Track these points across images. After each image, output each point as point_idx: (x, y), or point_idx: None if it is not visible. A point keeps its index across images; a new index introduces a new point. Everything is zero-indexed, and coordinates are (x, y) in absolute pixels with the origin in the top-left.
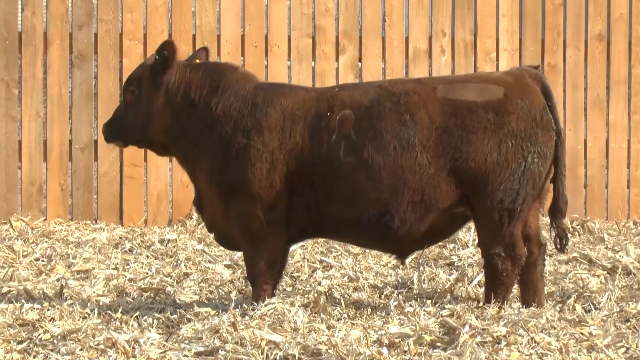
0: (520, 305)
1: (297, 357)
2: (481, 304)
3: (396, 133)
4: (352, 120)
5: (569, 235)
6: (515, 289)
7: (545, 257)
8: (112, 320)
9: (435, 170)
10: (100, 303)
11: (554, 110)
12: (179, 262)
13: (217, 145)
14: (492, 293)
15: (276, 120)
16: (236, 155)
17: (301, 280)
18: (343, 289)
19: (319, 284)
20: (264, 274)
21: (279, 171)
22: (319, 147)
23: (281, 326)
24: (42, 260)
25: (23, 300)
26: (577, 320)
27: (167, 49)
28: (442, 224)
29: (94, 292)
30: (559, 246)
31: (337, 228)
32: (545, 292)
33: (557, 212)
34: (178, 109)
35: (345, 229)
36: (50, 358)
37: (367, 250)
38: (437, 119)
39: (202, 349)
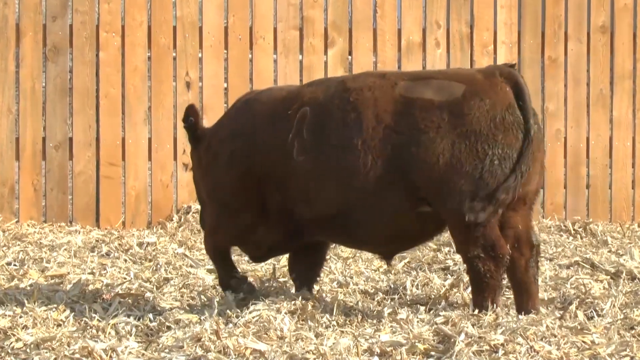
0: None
1: None
2: (473, 311)
3: (340, 132)
4: (307, 118)
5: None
6: (510, 295)
7: (540, 259)
8: (89, 327)
9: (383, 171)
10: (76, 310)
11: (526, 111)
12: (158, 266)
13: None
14: (480, 297)
15: (245, 127)
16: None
17: (288, 285)
18: (332, 294)
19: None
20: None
21: (252, 175)
22: (283, 147)
23: (267, 334)
24: (14, 265)
25: None
26: (578, 327)
27: (192, 115)
28: (410, 225)
29: (69, 298)
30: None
31: (308, 228)
32: (546, 297)
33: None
34: None
35: (314, 229)
36: None
37: (358, 255)
38: (386, 118)
39: (183, 359)
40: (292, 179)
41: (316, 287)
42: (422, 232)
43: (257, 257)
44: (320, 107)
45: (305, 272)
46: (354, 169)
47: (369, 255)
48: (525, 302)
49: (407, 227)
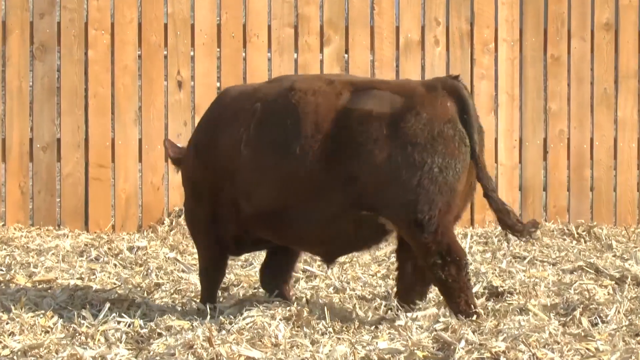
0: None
1: None
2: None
3: (279, 132)
4: (256, 115)
5: (532, 232)
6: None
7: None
8: (77, 334)
9: (317, 177)
10: (64, 316)
11: (469, 124)
12: (149, 271)
13: None
14: (454, 304)
15: (211, 119)
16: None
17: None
18: (328, 300)
19: (303, 295)
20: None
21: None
22: (237, 141)
23: (261, 341)
24: (1, 270)
25: None
26: (582, 334)
27: (169, 148)
28: (345, 229)
29: (57, 304)
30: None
31: (250, 223)
32: (548, 303)
33: (506, 227)
34: None
35: (254, 225)
36: None
37: (355, 259)
38: (325, 126)
39: None
40: (239, 173)
41: (311, 293)
42: (358, 236)
43: (230, 251)
44: (267, 104)
45: (272, 278)
46: (288, 170)
47: (366, 259)
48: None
49: (342, 231)
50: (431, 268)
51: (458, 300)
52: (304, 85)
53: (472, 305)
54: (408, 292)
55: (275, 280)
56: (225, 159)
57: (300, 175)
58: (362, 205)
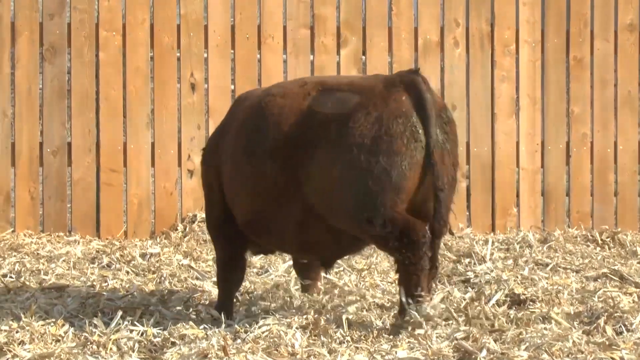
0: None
1: None
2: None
3: (250, 137)
4: (240, 118)
5: (440, 261)
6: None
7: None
8: (89, 343)
9: (283, 182)
10: (75, 324)
11: (427, 121)
12: (162, 278)
13: None
14: (406, 287)
15: (222, 124)
16: None
17: (299, 297)
18: (346, 308)
19: (319, 303)
20: None
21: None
22: (227, 148)
23: (277, 350)
24: (10, 277)
25: None
26: (607, 343)
27: None
28: (324, 235)
29: (68, 312)
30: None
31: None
32: (572, 311)
33: (432, 231)
34: None
35: (246, 231)
36: None
37: (373, 266)
38: (288, 129)
39: None
40: (225, 179)
41: (329, 301)
42: (337, 242)
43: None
44: (248, 109)
45: (307, 271)
46: (257, 175)
47: (385, 266)
48: None
49: (321, 237)
50: (392, 253)
51: (409, 283)
52: (279, 89)
53: (420, 288)
54: None
55: (309, 270)
56: (222, 164)
57: (267, 181)
58: (318, 210)
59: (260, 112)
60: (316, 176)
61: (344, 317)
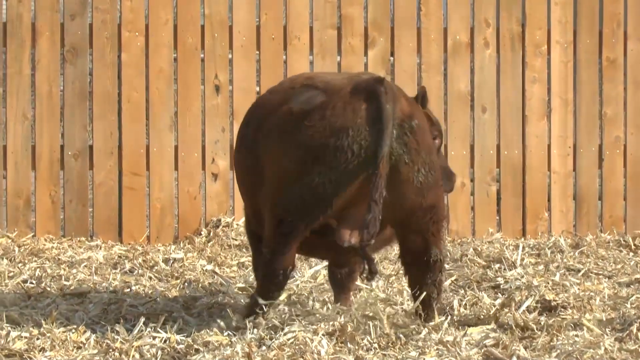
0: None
1: None
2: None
3: (239, 132)
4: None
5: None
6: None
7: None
8: (111, 350)
9: (258, 182)
10: (97, 331)
11: (380, 134)
12: (186, 284)
13: None
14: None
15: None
16: None
17: (326, 304)
18: (373, 314)
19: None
20: None
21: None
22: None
23: (303, 358)
24: (31, 282)
25: (9, 328)
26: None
27: None
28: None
29: (89, 319)
30: (364, 275)
31: None
32: (604, 318)
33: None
34: None
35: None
36: None
37: (400, 272)
38: (262, 124)
39: None
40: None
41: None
42: (323, 245)
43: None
44: (252, 104)
45: (340, 279)
46: (244, 169)
47: None
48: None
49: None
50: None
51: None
52: (276, 87)
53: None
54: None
55: (342, 280)
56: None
57: (250, 174)
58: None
59: (251, 108)
60: (269, 165)
61: (371, 323)
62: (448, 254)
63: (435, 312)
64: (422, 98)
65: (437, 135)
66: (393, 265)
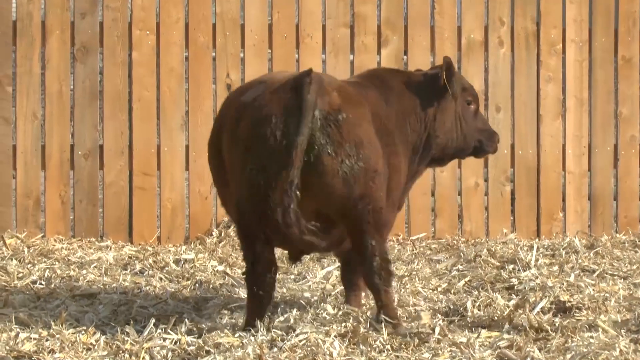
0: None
1: None
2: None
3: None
4: None
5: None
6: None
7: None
8: (121, 352)
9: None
10: (107, 332)
11: (299, 124)
12: (197, 285)
13: None
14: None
15: None
16: None
17: (337, 306)
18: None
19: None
20: None
21: None
22: None
23: (315, 359)
24: (40, 284)
25: (18, 329)
26: None
27: None
28: None
29: (99, 320)
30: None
31: None
32: (619, 319)
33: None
34: None
35: None
36: None
37: (414, 272)
38: (222, 120)
39: None
40: None
41: (368, 303)
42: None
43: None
44: None
45: (352, 278)
46: (211, 164)
47: (427, 273)
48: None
49: None
50: None
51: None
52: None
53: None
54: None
55: (353, 280)
56: None
57: (217, 168)
58: None
59: (221, 106)
60: (227, 163)
61: (383, 325)
62: (389, 249)
63: (386, 298)
64: (446, 69)
65: (471, 101)
66: (406, 266)
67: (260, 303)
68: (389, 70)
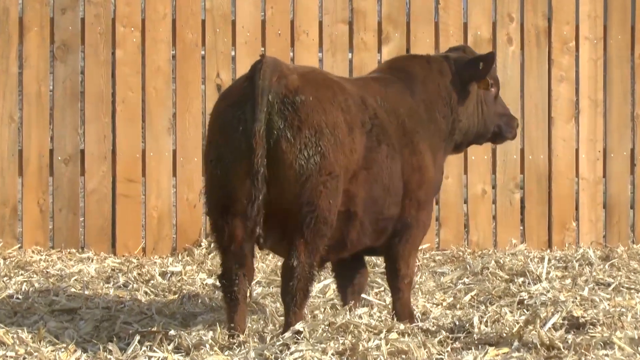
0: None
1: None
2: None
3: None
4: None
5: None
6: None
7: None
8: None
9: None
10: (89, 350)
11: (255, 112)
12: (184, 299)
13: None
14: None
15: None
16: None
17: (335, 321)
18: (386, 332)
19: (357, 326)
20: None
21: None
22: None
23: None
24: (17, 298)
25: None
26: None
27: None
28: None
29: (80, 337)
30: None
31: None
32: (636, 336)
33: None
34: None
35: None
36: None
37: (417, 287)
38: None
39: None
40: None
41: (368, 320)
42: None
43: None
44: None
45: (347, 285)
46: None
47: (430, 286)
48: None
49: None
50: None
51: None
52: None
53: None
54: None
55: (349, 292)
56: None
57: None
58: None
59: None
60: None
61: (383, 342)
62: (312, 265)
63: (292, 319)
64: (490, 62)
65: (492, 84)
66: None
67: (234, 309)
68: (408, 57)
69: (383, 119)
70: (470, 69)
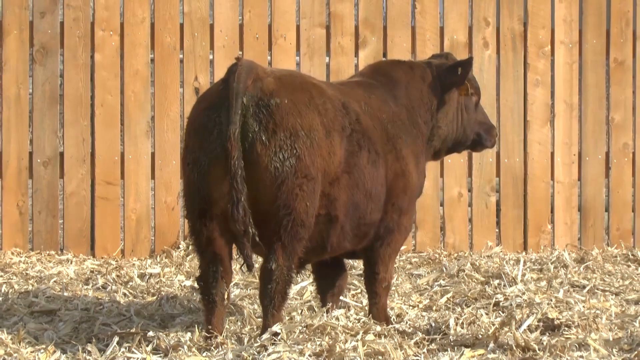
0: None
1: None
2: None
3: None
4: None
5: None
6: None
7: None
8: None
9: None
10: (68, 351)
11: (230, 114)
12: (163, 301)
13: None
14: None
15: None
16: None
17: (312, 323)
18: (363, 334)
19: (334, 328)
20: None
21: None
22: None
23: None
24: None
25: None
26: None
27: None
28: None
29: (59, 338)
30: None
31: None
32: (611, 338)
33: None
34: None
35: None
36: None
37: (393, 289)
38: None
39: None
40: None
41: (345, 322)
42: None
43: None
44: None
45: (327, 288)
46: None
47: (407, 288)
48: None
49: None
50: None
51: None
52: None
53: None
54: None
55: (329, 295)
56: None
57: None
58: None
59: None
60: None
61: (360, 344)
62: (289, 266)
63: (269, 321)
64: (467, 66)
65: (473, 93)
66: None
67: (212, 311)
68: (391, 63)
69: (366, 124)
70: (451, 76)
